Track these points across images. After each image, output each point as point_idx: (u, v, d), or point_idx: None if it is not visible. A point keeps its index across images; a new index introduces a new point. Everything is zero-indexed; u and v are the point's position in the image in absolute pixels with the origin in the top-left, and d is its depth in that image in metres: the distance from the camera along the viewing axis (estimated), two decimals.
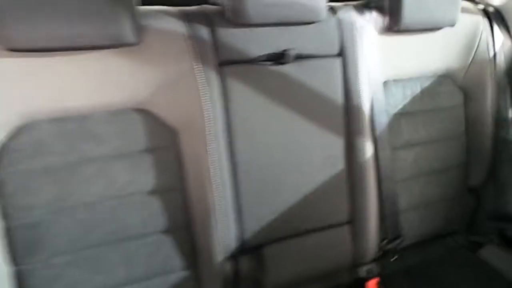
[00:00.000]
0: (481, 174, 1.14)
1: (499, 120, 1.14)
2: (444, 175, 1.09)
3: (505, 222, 1.16)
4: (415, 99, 1.02)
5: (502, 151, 1.15)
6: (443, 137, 1.07)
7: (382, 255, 1.03)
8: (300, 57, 0.86)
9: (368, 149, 0.93)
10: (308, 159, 0.88)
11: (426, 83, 1.04)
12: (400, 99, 1.01)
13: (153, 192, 0.79)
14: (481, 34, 1.08)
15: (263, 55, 0.83)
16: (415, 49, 1.00)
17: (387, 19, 0.94)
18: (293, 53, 0.83)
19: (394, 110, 1.00)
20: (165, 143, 0.78)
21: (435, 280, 1.02)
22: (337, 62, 0.89)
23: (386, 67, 0.97)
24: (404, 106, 1.01)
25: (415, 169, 1.04)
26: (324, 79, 0.88)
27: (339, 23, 0.90)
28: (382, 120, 0.95)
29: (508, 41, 1.12)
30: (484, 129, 1.12)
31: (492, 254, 1.12)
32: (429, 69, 1.04)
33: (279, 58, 0.83)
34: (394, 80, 0.99)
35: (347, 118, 0.91)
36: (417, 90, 1.03)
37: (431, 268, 1.07)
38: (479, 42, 1.08)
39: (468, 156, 1.13)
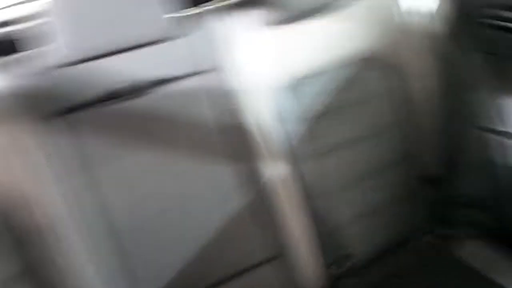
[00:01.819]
0: (438, 163, 0.97)
1: (452, 99, 0.97)
2: (388, 174, 0.92)
3: (475, 208, 0.99)
4: (337, 93, 0.86)
5: (462, 133, 0.98)
6: (379, 130, 0.90)
7: (334, 283, 0.88)
8: (162, 83, 0.71)
9: (276, 167, 0.78)
10: (196, 201, 0.73)
11: (348, 72, 0.87)
12: (317, 97, 0.84)
13: None
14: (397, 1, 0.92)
15: (112, 91, 0.68)
16: (322, 36, 0.84)
17: (272, 10, 0.79)
18: (150, 80, 0.69)
19: (311, 111, 0.84)
20: None
21: None
22: (213, 78, 0.74)
23: (288, 65, 0.82)
24: (324, 103, 0.85)
25: (350, 174, 0.88)
26: (199, 102, 0.73)
27: (208, 32, 0.75)
28: (293, 128, 0.80)
29: (439, 2, 0.95)
30: (430, 111, 0.95)
31: (469, 250, 0.95)
32: (347, 55, 0.87)
33: (133, 90, 0.70)
34: (305, 78, 0.83)
35: (239, 139, 0.76)
36: (338, 82, 0.86)
37: (403, 279, 0.91)
38: (399, 10, 0.92)
39: (416, 145, 0.96)
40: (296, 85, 0.81)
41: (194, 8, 0.76)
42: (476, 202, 1.01)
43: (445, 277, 0.91)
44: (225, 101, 0.74)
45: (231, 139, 0.75)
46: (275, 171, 0.78)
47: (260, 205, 0.78)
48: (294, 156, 0.79)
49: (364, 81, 0.88)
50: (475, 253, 0.94)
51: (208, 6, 0.77)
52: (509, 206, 1.00)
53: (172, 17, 0.69)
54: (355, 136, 0.87)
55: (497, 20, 0.90)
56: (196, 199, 0.73)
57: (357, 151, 0.87)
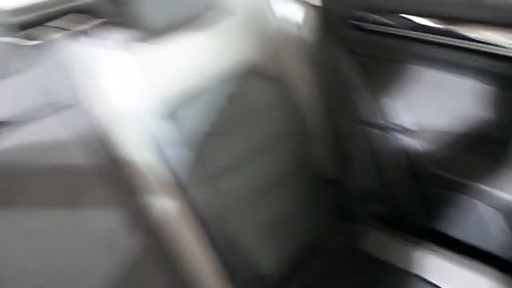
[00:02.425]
0: (334, 164, 0.99)
1: (336, 101, 1.00)
2: (289, 184, 0.91)
3: (372, 201, 1.03)
4: (223, 111, 0.81)
5: (350, 132, 1.02)
6: (273, 143, 0.88)
7: None
8: (9, 126, 0.59)
9: (165, 200, 0.71)
10: (82, 254, 0.62)
11: (231, 87, 0.83)
12: (200, 118, 0.78)
13: None
14: (271, 10, 0.91)
15: None
16: (197, 52, 0.79)
17: (134, 28, 0.71)
18: None
19: (196, 134, 0.77)
20: None
21: None
22: (75, 113, 0.64)
23: (161, 88, 0.74)
24: (210, 124, 0.79)
25: (250, 191, 0.84)
26: (63, 144, 0.62)
27: (60, 61, 0.64)
28: (178, 156, 0.73)
29: (309, 9, 0.96)
30: (318, 115, 0.96)
31: (375, 242, 0.99)
32: (226, 69, 0.83)
33: None
34: (184, 99, 0.76)
35: (118, 177, 0.66)
36: (222, 99, 0.81)
37: (321, 284, 0.90)
38: (274, 19, 0.91)
39: (312, 150, 0.96)
40: (174, 109, 0.74)
41: (36, 32, 0.64)
42: (371, 195, 1.05)
43: (359, 273, 0.92)
44: (93, 138, 0.64)
45: (109, 178, 0.66)
46: (164, 204, 0.70)
47: (154, 243, 0.70)
48: (184, 185, 0.72)
49: (249, 94, 0.85)
50: (380, 244, 0.98)
51: (56, 29, 0.66)
52: (399, 196, 1.07)
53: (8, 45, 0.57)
54: (248, 152, 0.83)
55: (366, 22, 0.95)
56: (81, 253, 0.62)
57: (253, 167, 0.84)
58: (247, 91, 0.84)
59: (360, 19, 0.93)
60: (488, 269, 0.87)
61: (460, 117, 0.92)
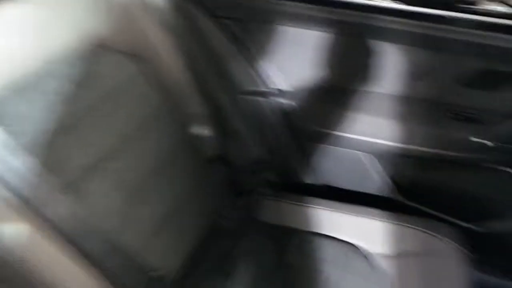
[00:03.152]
0: (220, 139, 0.92)
1: (211, 72, 0.92)
2: (172, 171, 0.80)
3: (265, 171, 1.02)
4: (70, 100, 0.64)
5: (232, 103, 0.96)
6: (144, 128, 0.75)
7: None
8: None
9: (16, 221, 0.55)
10: None
11: (76, 70, 0.66)
12: (40, 114, 0.59)
13: None
14: None
15: None
16: (24, 29, 0.61)
17: None
18: None
19: (38, 135, 0.59)
20: None
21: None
22: None
23: None
24: (56, 119, 0.62)
25: (127, 188, 0.71)
26: None
27: None
28: (14, 167, 0.55)
29: None
30: (192, 91, 0.87)
31: (272, 211, 0.97)
32: (67, 49, 0.65)
33: None
34: (13, 92, 0.58)
35: None
36: (65, 86, 0.64)
37: (226, 264, 0.85)
38: None
39: (194, 128, 0.87)
40: (3, 105, 0.55)
41: None
42: (261, 164, 1.03)
43: (262, 244, 0.90)
44: None
45: None
46: (14, 231, 0.54)
47: (11, 271, 0.54)
48: (35, 200, 0.56)
49: (103, 75, 0.69)
50: (277, 210, 0.97)
51: None
52: (286, 159, 1.07)
53: None
54: (116, 143, 0.69)
55: None
56: None
57: (126, 159, 0.70)
58: (100, 72, 0.69)
59: None
60: (374, 211, 0.92)
61: (325, 71, 0.94)
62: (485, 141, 0.84)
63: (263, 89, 0.97)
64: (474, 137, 0.84)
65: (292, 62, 0.95)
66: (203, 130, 0.88)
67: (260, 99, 0.98)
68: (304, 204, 0.96)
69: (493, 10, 0.79)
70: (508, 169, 0.88)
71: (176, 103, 0.82)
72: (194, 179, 0.85)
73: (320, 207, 0.95)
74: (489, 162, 0.87)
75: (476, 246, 0.86)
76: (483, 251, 0.93)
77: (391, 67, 0.88)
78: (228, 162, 0.95)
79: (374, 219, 0.91)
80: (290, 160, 1.07)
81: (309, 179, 1.10)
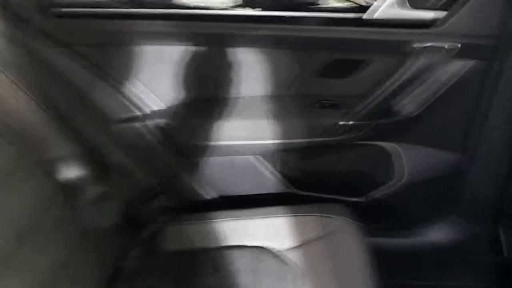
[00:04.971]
0: (101, 176, 0.84)
1: (72, 107, 0.82)
2: (42, 227, 0.69)
3: (159, 197, 0.97)
4: None
5: (104, 136, 0.87)
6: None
7: None
8: None
9: None
10: None
11: None
12: None
13: None
14: None
15: None
16: None
17: None
18: None
19: None
20: None
21: None
22: None
23: None
24: None
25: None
26: None
27: None
28: None
29: None
30: (57, 129, 0.77)
31: (176, 236, 0.93)
32: None
33: None
34: None
35: None
36: None
37: None
38: None
39: (62, 175, 0.77)
40: None
41: None
42: (154, 191, 0.97)
43: (172, 274, 0.85)
44: None
45: None
46: None
47: None
48: None
49: None
50: (180, 234, 0.93)
51: None
52: (177, 179, 1.04)
53: None
54: None
55: (67, 7, 0.80)
56: None
57: None
58: None
59: (57, 4, 0.78)
60: (274, 209, 0.95)
61: (195, 84, 0.94)
62: (350, 122, 0.94)
63: (136, 113, 0.92)
64: (341, 120, 0.94)
65: (160, 80, 0.92)
66: (77, 172, 0.79)
67: (136, 124, 0.93)
68: (208, 221, 0.94)
69: (338, 7, 0.89)
70: (372, 143, 1.00)
71: (37, 149, 0.72)
72: (78, 227, 0.76)
73: (223, 219, 0.95)
74: (358, 139, 0.98)
75: (365, 215, 0.96)
76: (371, 218, 1.04)
77: (257, 70, 0.92)
78: (116, 199, 0.87)
79: (276, 216, 0.93)
80: (182, 180, 1.04)
81: (207, 194, 1.08)
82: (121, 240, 0.88)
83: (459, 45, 0.81)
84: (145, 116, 0.93)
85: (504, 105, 0.88)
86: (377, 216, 1.10)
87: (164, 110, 0.94)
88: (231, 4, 0.89)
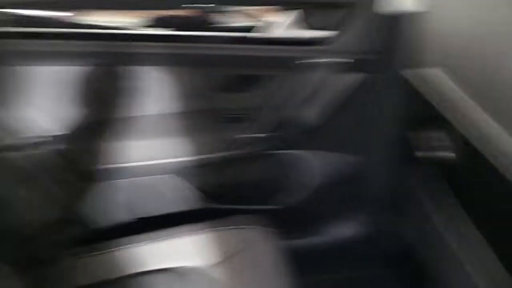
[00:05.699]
0: None
1: None
2: None
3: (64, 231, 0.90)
4: None
5: None
6: None
7: None
8: None
9: None
10: None
11: None
12: None
13: None
14: None
15: None
16: None
17: None
18: None
19: None
20: None
21: None
22: None
23: None
24: None
25: None
26: None
27: None
28: None
29: None
30: None
31: (86, 271, 0.87)
32: None
33: None
34: None
35: None
36: None
37: None
38: None
39: None
40: None
41: None
42: (59, 224, 0.90)
43: None
44: None
45: None
46: None
47: None
48: None
49: None
50: (96, 266, 0.87)
51: None
52: (87, 208, 0.98)
53: None
54: None
55: None
56: None
57: None
58: None
59: None
60: (193, 226, 0.95)
61: (94, 105, 0.90)
62: (257, 134, 0.98)
63: (30, 139, 0.85)
64: (248, 133, 0.98)
65: (57, 102, 0.86)
66: None
67: (29, 150, 0.85)
68: (124, 248, 0.90)
69: (239, 26, 0.92)
70: (282, 152, 1.06)
71: None
72: None
73: (140, 243, 0.91)
74: (267, 150, 1.02)
75: (282, 221, 1.00)
76: (288, 223, 1.09)
77: (161, 88, 0.91)
78: (14, 238, 0.79)
79: (195, 234, 0.93)
80: (91, 207, 0.98)
81: (121, 219, 1.03)
82: (29, 280, 0.79)
83: (350, 61, 0.90)
84: (41, 142, 0.86)
85: (389, 111, 1.00)
86: (293, 220, 1.16)
87: (63, 135, 0.88)
88: (133, 23, 0.87)
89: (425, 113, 0.83)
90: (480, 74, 0.64)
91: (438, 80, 0.75)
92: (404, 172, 1.05)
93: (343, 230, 1.24)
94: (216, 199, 1.10)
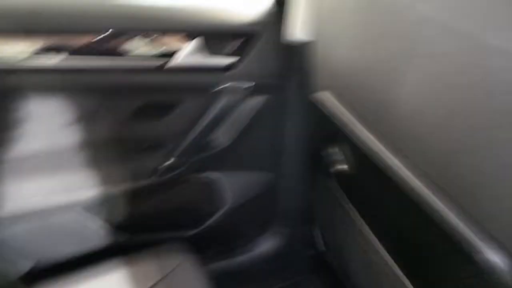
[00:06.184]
0: None
1: None
2: None
3: None
4: None
5: None
6: None
7: None
8: None
9: None
10: None
11: None
12: None
13: None
14: None
15: None
16: None
17: None
18: None
19: None
20: None
21: None
22: None
23: None
24: None
25: None
26: None
27: None
28: None
29: None
30: None
31: None
32: None
33: None
34: None
35: None
36: None
37: None
38: None
39: None
40: None
41: None
42: None
43: None
44: None
45: None
46: None
47: None
48: None
49: None
50: None
51: None
52: None
53: None
54: None
55: None
56: None
57: None
58: None
59: None
60: (109, 263, 0.91)
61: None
62: (171, 161, 0.98)
63: None
64: (162, 161, 0.97)
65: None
66: None
67: None
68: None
69: (144, 55, 0.92)
70: (197, 175, 1.07)
71: None
72: None
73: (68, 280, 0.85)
74: (182, 175, 1.03)
75: (202, 244, 1.01)
76: (209, 245, 1.10)
77: (67, 120, 0.88)
78: None
79: (114, 269, 0.89)
80: None
81: (25, 268, 0.95)
82: None
83: (253, 84, 0.96)
84: None
85: (294, 130, 1.07)
86: (214, 242, 1.17)
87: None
88: (27, 55, 0.82)
89: (325, 130, 0.91)
90: (362, 96, 0.73)
91: (330, 101, 0.83)
92: (313, 184, 1.13)
93: (263, 244, 1.28)
94: (131, 230, 1.07)
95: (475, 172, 0.49)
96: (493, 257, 0.47)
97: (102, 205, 0.97)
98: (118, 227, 1.03)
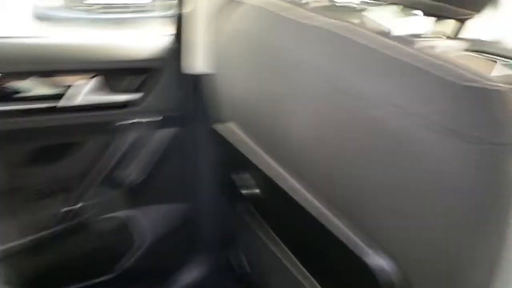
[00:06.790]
0: None
1: None
2: None
3: None
4: None
5: None
6: None
7: None
8: None
9: None
10: None
11: None
12: None
13: None
14: None
15: None
16: None
17: None
18: None
19: None
20: None
21: None
22: None
23: None
24: None
25: None
26: None
27: None
28: None
29: None
30: None
31: None
32: None
33: None
34: None
35: None
36: None
37: None
38: None
39: None
40: None
41: None
42: None
43: None
44: None
45: None
46: None
47: None
48: None
49: None
50: None
51: None
52: None
53: None
54: None
55: None
56: None
57: None
58: None
59: None
60: None
61: None
62: (78, 204, 0.93)
63: None
64: (66, 205, 0.92)
65: None
66: None
67: None
68: None
69: (37, 95, 0.87)
70: (108, 216, 1.02)
71: None
72: None
73: None
74: (91, 218, 0.98)
75: (123, 285, 0.95)
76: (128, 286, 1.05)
77: None
78: None
79: None
80: None
81: None
82: None
83: (159, 118, 0.96)
84: None
85: (204, 159, 1.09)
86: (137, 281, 1.12)
87: None
88: None
89: (233, 158, 0.94)
90: (260, 125, 0.78)
91: (233, 131, 0.87)
92: (231, 209, 1.15)
93: (191, 273, 1.26)
94: (40, 286, 0.98)
95: (359, 186, 0.56)
96: (376, 259, 0.53)
97: (4, 264, 0.88)
98: (22, 285, 0.94)
